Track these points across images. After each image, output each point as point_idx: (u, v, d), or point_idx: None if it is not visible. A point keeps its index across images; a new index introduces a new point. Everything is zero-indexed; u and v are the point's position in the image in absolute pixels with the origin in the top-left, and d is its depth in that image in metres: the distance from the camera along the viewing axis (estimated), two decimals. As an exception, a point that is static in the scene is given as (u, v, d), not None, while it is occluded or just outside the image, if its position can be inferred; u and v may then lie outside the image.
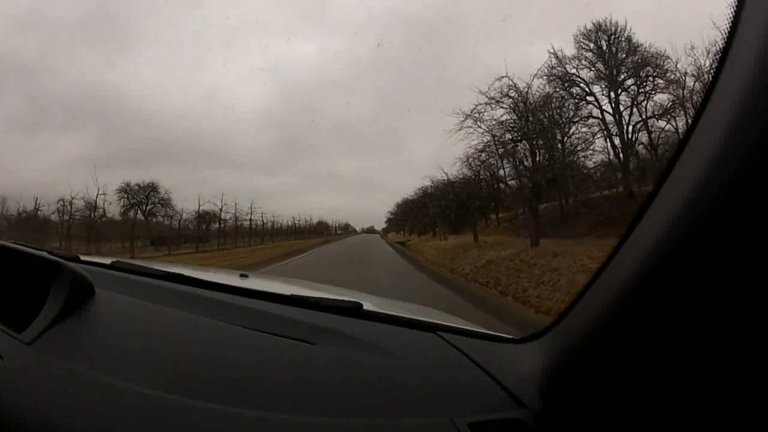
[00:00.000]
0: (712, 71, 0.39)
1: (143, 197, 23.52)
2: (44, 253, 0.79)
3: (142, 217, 23.44)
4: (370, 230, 56.97)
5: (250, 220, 27.72)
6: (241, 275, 1.20)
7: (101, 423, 0.51)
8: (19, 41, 30.60)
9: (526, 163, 12.62)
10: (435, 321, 0.85)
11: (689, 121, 0.46)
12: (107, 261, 1.09)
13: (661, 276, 0.39)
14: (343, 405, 0.57)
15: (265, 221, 29.67)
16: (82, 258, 1.10)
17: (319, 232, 42.60)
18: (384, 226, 50.40)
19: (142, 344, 0.68)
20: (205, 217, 24.93)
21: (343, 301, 0.88)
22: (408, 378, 0.65)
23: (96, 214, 20.78)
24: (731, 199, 0.34)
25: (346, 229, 56.02)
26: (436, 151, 43.01)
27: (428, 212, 23.05)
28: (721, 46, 0.38)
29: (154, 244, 23.11)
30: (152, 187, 23.68)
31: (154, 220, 23.97)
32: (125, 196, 23.02)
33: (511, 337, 0.77)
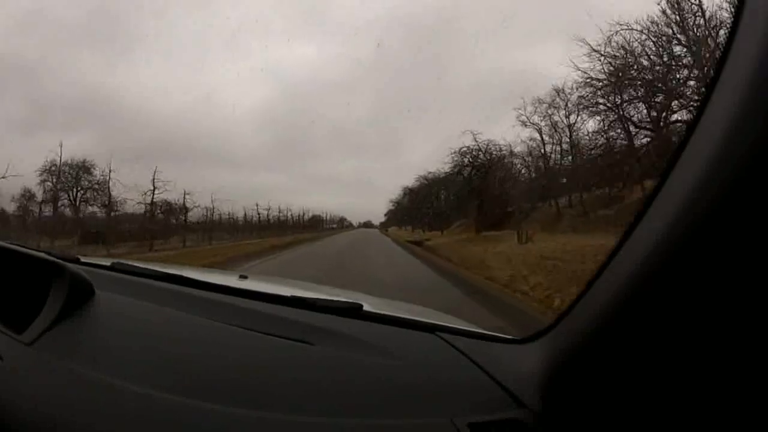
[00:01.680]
0: (712, 71, 0.39)
1: (72, 181, 17.56)
2: (44, 254, 0.79)
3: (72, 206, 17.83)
4: (368, 224, 55.87)
5: (184, 207, 19.66)
6: (240, 276, 1.20)
7: (101, 423, 0.51)
8: (19, 41, 30.10)
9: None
10: (435, 321, 0.85)
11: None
12: (107, 262, 1.09)
13: (661, 276, 0.39)
14: (343, 405, 0.58)
15: (210, 212, 21.50)
16: (82, 259, 1.10)
17: (311, 227, 38.66)
18: (383, 220, 48.55)
19: (142, 345, 0.68)
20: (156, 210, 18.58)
21: (343, 302, 0.89)
22: (408, 378, 0.65)
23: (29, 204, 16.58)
24: (731, 199, 0.34)
25: (341, 224, 53.20)
26: (436, 151, 42.75)
27: (457, 194, 16.63)
28: (721, 45, 0.38)
29: (84, 242, 16.60)
30: (84, 168, 17.59)
31: (87, 211, 18.29)
32: (49, 178, 17.19)
33: (510, 337, 0.77)
